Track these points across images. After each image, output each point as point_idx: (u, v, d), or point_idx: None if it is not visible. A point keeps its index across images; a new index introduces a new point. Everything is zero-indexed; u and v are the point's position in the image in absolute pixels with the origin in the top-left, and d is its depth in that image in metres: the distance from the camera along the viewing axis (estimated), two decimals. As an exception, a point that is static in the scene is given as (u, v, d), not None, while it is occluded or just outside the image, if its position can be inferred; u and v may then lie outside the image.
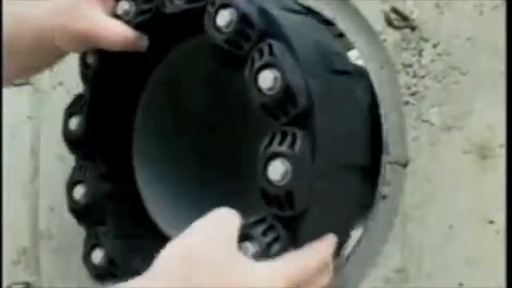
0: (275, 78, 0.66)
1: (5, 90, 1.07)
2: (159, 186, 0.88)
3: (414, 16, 0.75)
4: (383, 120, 0.77)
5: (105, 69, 0.82)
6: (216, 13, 0.70)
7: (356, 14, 0.79)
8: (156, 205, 0.86)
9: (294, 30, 0.70)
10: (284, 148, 0.66)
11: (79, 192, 0.82)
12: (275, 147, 0.66)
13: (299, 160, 0.66)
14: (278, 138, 0.67)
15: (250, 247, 0.66)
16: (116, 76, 0.83)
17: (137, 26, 0.78)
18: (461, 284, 0.71)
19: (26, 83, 1.06)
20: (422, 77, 0.75)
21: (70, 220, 1.03)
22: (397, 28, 0.75)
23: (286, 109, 0.67)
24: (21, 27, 0.79)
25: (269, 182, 0.66)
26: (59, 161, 1.04)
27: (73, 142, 0.84)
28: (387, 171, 0.77)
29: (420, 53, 0.75)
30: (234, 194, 0.90)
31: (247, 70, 0.69)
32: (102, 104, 0.83)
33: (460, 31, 0.72)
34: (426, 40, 0.74)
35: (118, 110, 0.85)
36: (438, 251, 0.73)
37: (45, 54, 0.82)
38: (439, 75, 0.74)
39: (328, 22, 0.81)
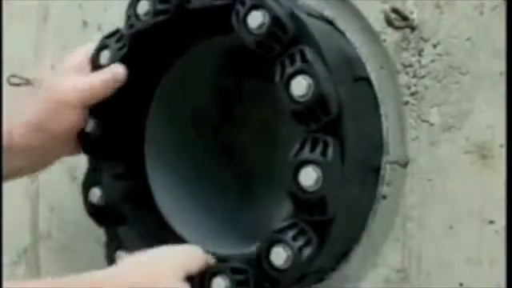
0: (308, 85, 0.67)
1: (5, 90, 1.07)
2: (171, 188, 0.88)
3: (413, 16, 0.75)
4: (383, 120, 0.77)
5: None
6: (247, 13, 0.70)
7: (356, 14, 0.79)
8: (169, 208, 0.86)
9: (321, 35, 0.71)
10: (316, 155, 0.67)
11: (95, 194, 0.82)
12: (307, 154, 0.67)
13: (331, 167, 0.67)
14: (308, 145, 0.68)
15: (282, 252, 0.68)
16: (129, 76, 0.82)
17: (156, 26, 0.77)
18: (461, 284, 0.71)
19: (26, 83, 1.06)
20: (422, 77, 0.75)
21: (70, 220, 1.03)
22: (397, 28, 0.75)
23: (318, 116, 0.68)
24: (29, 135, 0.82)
25: (300, 187, 0.67)
26: (59, 161, 1.04)
27: (87, 143, 0.84)
28: (387, 171, 0.77)
29: (420, 53, 0.75)
30: (247, 197, 0.91)
31: (277, 75, 0.69)
32: (115, 105, 0.83)
33: (460, 31, 0.72)
34: (426, 40, 0.74)
35: (132, 110, 0.85)
36: (438, 251, 0.73)
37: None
38: (439, 75, 0.74)
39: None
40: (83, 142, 0.84)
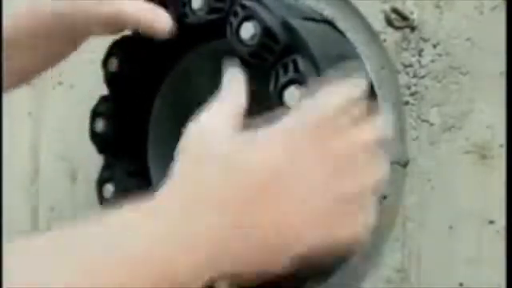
0: (301, 96, 0.67)
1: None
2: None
3: (414, 16, 0.75)
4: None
5: (126, 70, 0.82)
6: (240, 25, 0.71)
7: (356, 14, 0.79)
8: None
9: (317, 42, 0.71)
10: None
11: (109, 190, 0.83)
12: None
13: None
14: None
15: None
16: (137, 76, 0.83)
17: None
18: (461, 284, 0.71)
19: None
20: (422, 77, 0.75)
21: (70, 220, 1.03)
22: (397, 28, 0.75)
23: None
24: (37, 14, 0.75)
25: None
26: (60, 160, 1.04)
27: (101, 142, 0.85)
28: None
29: (420, 53, 0.75)
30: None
31: (271, 84, 0.70)
32: (127, 104, 0.84)
33: (460, 31, 0.72)
34: (426, 40, 0.74)
35: (143, 109, 0.86)
36: (438, 251, 0.73)
37: (59, 43, 0.77)
38: (439, 75, 0.74)
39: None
40: (96, 141, 0.85)
